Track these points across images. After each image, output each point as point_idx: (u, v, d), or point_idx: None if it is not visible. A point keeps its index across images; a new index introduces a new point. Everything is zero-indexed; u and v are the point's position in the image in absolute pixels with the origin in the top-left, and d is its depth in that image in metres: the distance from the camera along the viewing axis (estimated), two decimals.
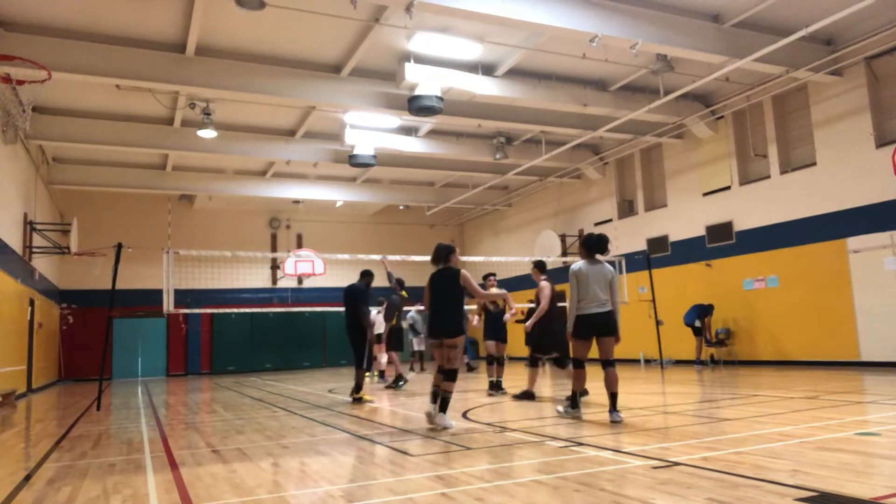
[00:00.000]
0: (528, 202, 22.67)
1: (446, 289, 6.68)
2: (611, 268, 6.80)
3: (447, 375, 6.57)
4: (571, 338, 6.74)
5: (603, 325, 6.57)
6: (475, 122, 14.42)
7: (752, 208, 14.60)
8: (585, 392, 8.21)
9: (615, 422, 6.35)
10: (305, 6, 9.89)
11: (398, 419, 7.53)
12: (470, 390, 10.85)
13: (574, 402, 6.88)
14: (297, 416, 8.22)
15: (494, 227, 24.88)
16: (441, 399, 6.53)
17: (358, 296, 9.80)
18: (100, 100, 13.55)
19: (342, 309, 10.01)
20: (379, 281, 11.15)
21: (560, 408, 7.12)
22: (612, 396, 6.53)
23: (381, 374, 14.09)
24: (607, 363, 6.59)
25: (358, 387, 9.68)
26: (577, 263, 6.74)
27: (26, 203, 14.81)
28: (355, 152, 15.56)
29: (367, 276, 10.20)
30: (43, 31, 10.42)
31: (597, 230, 19.28)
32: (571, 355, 6.97)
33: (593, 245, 6.79)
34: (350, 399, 9.80)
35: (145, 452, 5.87)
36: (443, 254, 6.86)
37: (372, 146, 15.60)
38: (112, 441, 6.73)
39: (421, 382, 12.95)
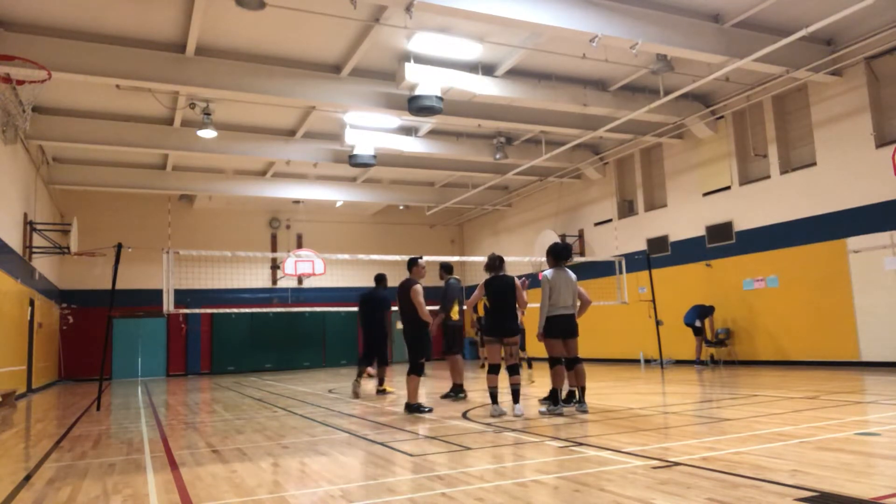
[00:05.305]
0: (528, 202, 22.66)
1: (506, 293, 7.39)
2: (574, 274, 7.54)
3: (512, 370, 7.32)
4: (544, 338, 7.34)
5: (570, 327, 7.33)
6: (475, 122, 14.41)
7: (752, 208, 14.60)
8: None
9: (583, 412, 7.13)
10: (305, 6, 9.89)
11: (398, 419, 7.53)
12: (471, 390, 10.83)
13: (555, 399, 7.26)
14: (297, 416, 8.22)
15: (494, 227, 24.86)
16: (512, 391, 7.26)
17: (385, 303, 10.79)
18: (100, 100, 13.54)
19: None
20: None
21: (542, 408, 7.42)
22: (582, 390, 7.42)
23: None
24: (575, 361, 7.38)
25: (381, 380, 10.93)
26: (548, 271, 7.42)
27: (26, 203, 14.81)
28: (355, 152, 15.55)
29: (384, 280, 11.03)
30: (43, 31, 10.40)
31: (597, 230, 19.48)
32: (547, 355, 7.44)
33: (560, 253, 7.51)
34: (376, 392, 10.81)
35: (145, 452, 5.87)
36: (498, 263, 7.61)
37: (372, 146, 15.59)
38: (112, 441, 6.74)
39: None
